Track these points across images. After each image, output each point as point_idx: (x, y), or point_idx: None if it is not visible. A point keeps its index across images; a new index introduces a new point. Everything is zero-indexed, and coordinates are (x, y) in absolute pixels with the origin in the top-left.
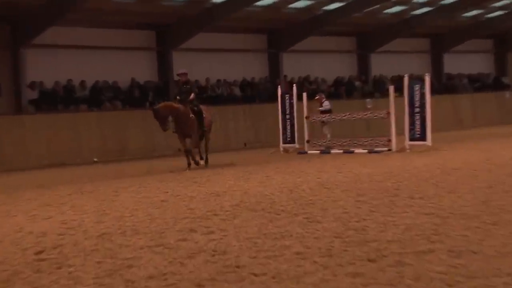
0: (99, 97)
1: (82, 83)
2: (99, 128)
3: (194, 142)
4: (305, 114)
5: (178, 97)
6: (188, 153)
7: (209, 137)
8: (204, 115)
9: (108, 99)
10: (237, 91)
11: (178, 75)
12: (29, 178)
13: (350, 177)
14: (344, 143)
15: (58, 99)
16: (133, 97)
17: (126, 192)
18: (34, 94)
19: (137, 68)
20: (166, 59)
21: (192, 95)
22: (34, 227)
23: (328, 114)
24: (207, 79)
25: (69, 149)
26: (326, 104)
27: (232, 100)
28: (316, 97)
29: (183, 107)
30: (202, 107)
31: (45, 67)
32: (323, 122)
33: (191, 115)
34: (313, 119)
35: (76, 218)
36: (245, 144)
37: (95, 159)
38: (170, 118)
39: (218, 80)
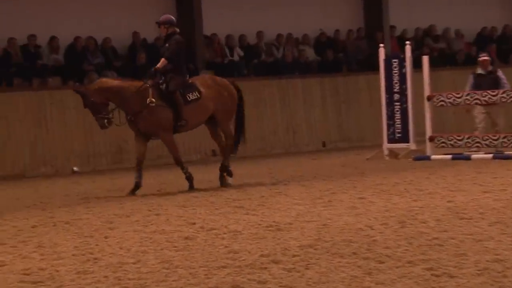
0: (81, 64)
1: (53, 41)
2: (80, 116)
3: (169, 148)
4: (427, 92)
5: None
6: (139, 165)
7: (230, 133)
8: (191, 97)
9: (95, 67)
10: (310, 53)
11: (157, 24)
12: None
13: (506, 201)
14: (495, 141)
15: (13, 67)
16: (136, 64)
17: (127, 224)
18: None
19: (143, 17)
20: (190, 2)
21: (161, 62)
22: None
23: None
24: (259, 34)
25: (30, 151)
26: (503, 77)
27: (302, 68)
28: (482, 58)
29: (134, 85)
30: (197, 80)
31: None
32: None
33: (148, 100)
34: (441, 100)
35: (45, 266)
36: (323, 144)
37: (75, 168)
38: (111, 107)
39: (279, 36)
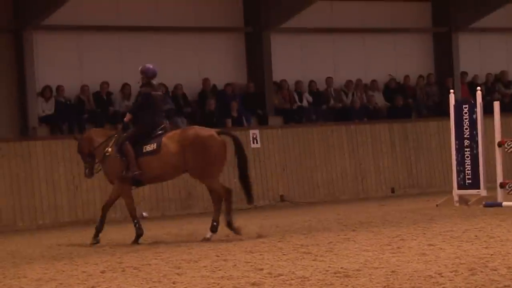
0: None
1: (124, 88)
2: None
3: (112, 194)
4: (498, 138)
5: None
6: (132, 213)
7: (216, 188)
8: (147, 148)
9: (166, 114)
10: (379, 99)
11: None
12: (35, 244)
13: None
14: None
15: (85, 115)
16: (206, 110)
17: (195, 269)
18: (48, 107)
19: (213, 64)
20: (260, 44)
21: (127, 115)
22: None
23: None
24: (329, 80)
25: (101, 197)
26: None
27: (371, 114)
28: None
29: (106, 136)
30: (169, 133)
31: (64, 62)
32: None
33: (105, 150)
34: None
35: None
36: (392, 190)
37: (144, 214)
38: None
39: (348, 82)
